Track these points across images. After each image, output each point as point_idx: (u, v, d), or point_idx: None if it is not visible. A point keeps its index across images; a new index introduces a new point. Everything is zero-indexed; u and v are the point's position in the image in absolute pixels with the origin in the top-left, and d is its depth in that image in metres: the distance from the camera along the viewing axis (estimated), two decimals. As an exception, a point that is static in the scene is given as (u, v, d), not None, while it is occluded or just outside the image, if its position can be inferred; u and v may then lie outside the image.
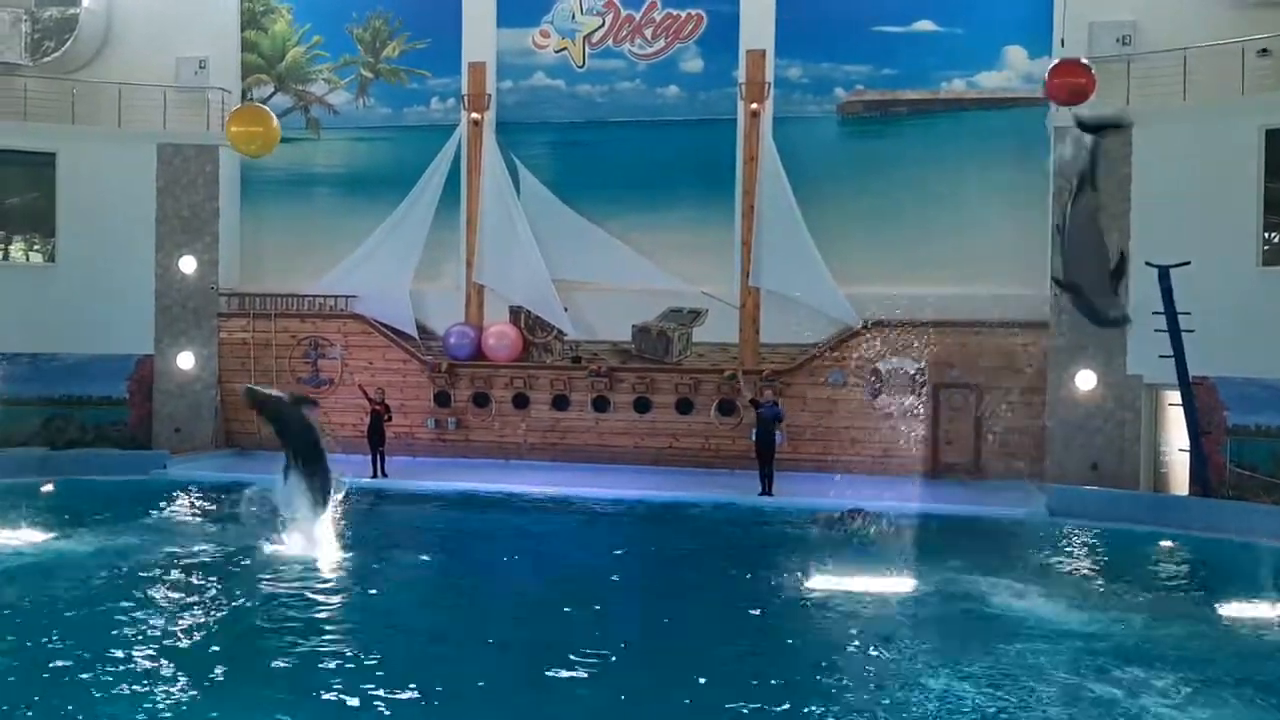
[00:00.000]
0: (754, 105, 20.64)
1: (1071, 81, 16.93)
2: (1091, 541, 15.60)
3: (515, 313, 21.74)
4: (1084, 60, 17.41)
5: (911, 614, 11.85)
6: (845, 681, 9.53)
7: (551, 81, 21.87)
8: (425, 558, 14.36)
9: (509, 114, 21.91)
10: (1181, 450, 17.56)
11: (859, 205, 20.35)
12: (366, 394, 19.82)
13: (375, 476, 19.28)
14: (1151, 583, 13.66)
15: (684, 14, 21.26)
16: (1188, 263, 16.79)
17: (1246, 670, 9.96)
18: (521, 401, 21.50)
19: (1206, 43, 17.76)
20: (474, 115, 21.77)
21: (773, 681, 9.46)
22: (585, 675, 9.53)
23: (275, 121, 15.32)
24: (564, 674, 9.51)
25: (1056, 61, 17.56)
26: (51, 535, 14.74)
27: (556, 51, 21.81)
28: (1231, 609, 12.12)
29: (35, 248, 22.03)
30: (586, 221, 21.31)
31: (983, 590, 12.64)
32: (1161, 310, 16.85)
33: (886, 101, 20.47)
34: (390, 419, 19.87)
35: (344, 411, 21.86)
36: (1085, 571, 14.26)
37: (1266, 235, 17.53)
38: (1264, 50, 17.67)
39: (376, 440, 19.54)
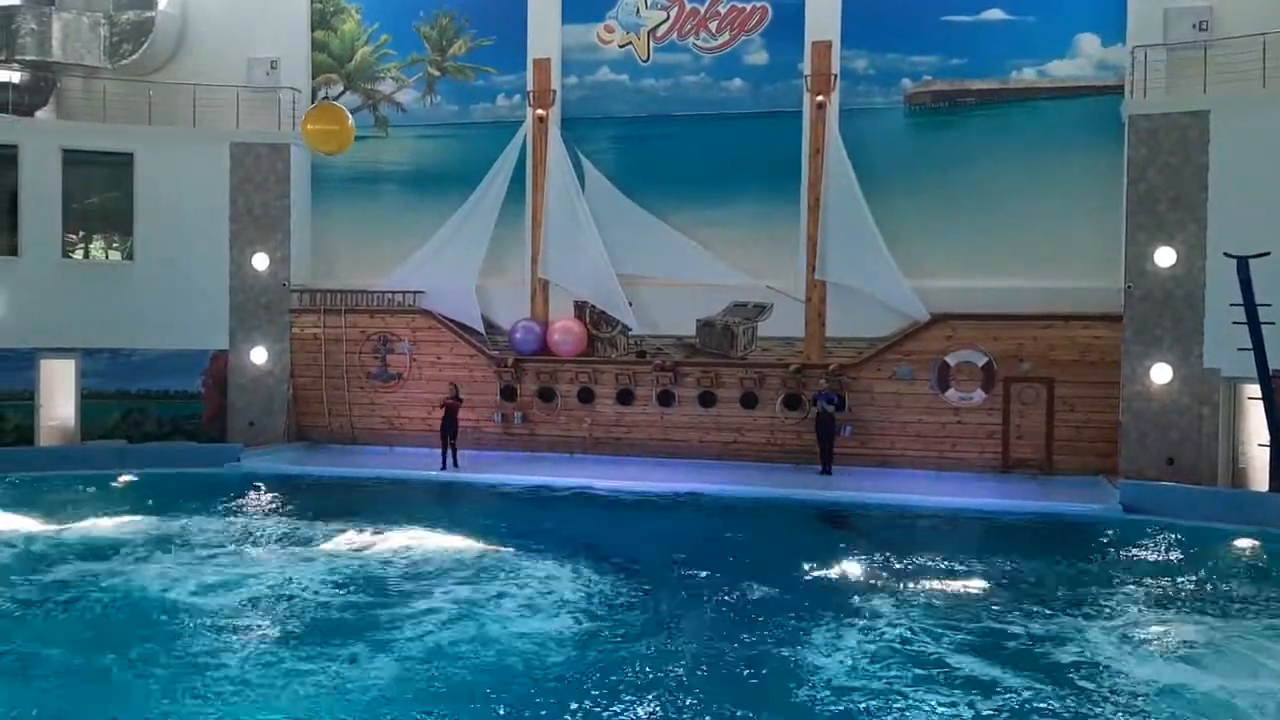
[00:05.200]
0: (820, 97, 20.47)
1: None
2: (1164, 538, 15.32)
3: (580, 307, 21.81)
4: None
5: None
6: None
7: (616, 76, 21.89)
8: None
9: (574, 109, 21.98)
10: (1261, 445, 17.11)
11: (927, 197, 20.07)
12: (448, 401, 20.44)
13: (444, 469, 19.68)
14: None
15: (748, 7, 21.15)
16: (1268, 253, 16.38)
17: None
18: (586, 396, 21.58)
19: (1287, 27, 17.23)
20: (539, 111, 21.88)
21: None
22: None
23: (351, 120, 15.45)
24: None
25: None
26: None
27: (621, 46, 21.83)
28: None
29: (114, 246, 22.56)
30: (651, 216, 21.30)
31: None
32: (1240, 302, 16.45)
33: (955, 92, 20.17)
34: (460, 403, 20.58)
35: (413, 406, 22.18)
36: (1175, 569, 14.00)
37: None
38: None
39: (449, 434, 20.05)
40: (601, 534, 15.57)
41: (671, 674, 9.67)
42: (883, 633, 10.91)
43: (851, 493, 17.98)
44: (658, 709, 8.87)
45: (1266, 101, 17.32)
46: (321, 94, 22.94)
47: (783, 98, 20.97)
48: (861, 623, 11.23)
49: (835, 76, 20.47)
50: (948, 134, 20.22)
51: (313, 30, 23.21)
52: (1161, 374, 18.15)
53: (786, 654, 10.27)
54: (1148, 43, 18.37)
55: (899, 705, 8.97)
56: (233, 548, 14.26)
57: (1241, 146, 17.45)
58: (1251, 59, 17.42)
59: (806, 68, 20.62)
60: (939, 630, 11.00)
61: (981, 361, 19.63)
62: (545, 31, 21.95)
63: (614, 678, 9.55)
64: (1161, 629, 11.23)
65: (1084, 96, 19.46)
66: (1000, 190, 19.74)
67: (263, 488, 18.49)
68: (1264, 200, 17.11)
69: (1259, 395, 16.68)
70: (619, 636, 10.76)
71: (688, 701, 9.01)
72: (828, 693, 9.27)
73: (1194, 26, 18.21)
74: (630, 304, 21.35)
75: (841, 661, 10.05)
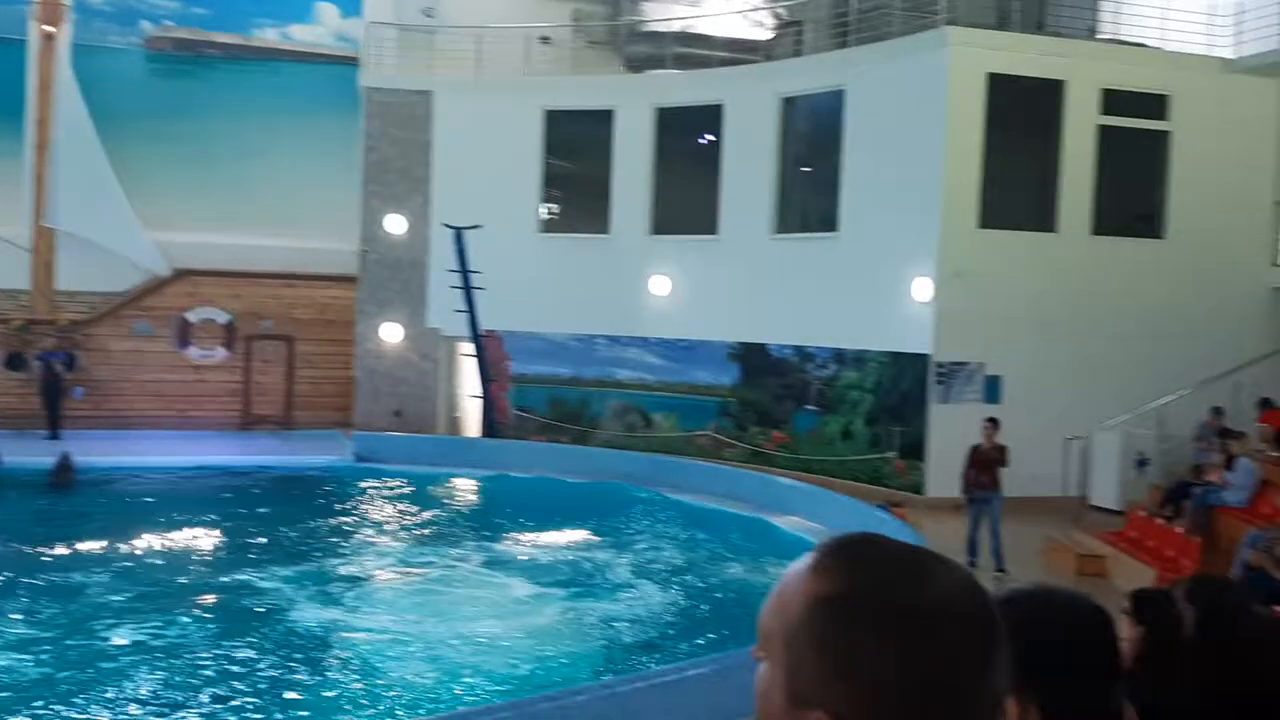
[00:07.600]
0: (49, 28, 18.74)
1: None
2: (391, 484, 16.72)
3: None
4: None
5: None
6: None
7: None
8: None
9: None
10: (474, 396, 19.33)
11: (172, 148, 19.40)
12: None
13: None
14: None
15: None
16: (480, 226, 18.42)
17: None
18: None
19: (499, 24, 19.32)
20: None
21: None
22: None
23: None
24: None
25: None
26: None
27: None
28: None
29: None
30: None
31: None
32: (457, 269, 18.35)
33: (197, 41, 19.72)
34: None
35: None
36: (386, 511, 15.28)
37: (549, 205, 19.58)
38: (545, 38, 19.73)
39: None
40: None
41: None
42: (78, 599, 10.59)
43: (83, 458, 16.90)
44: None
45: (480, 88, 19.31)
46: None
47: (8, 23, 18.84)
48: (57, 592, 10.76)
49: (67, 7, 18.86)
50: (192, 84, 19.75)
51: None
52: (392, 333, 19.60)
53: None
54: (381, 20, 19.52)
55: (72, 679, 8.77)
56: None
57: (459, 126, 19.28)
58: (471, 47, 19.31)
59: (33, -7, 18.75)
60: (146, 593, 10.93)
61: (223, 319, 19.59)
62: None
63: None
64: (374, 570, 12.20)
65: (325, 64, 20.17)
66: (246, 148, 19.75)
67: None
68: (479, 177, 19.14)
69: (472, 353, 18.80)
70: None
71: None
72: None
73: (421, 13, 19.70)
74: None
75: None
